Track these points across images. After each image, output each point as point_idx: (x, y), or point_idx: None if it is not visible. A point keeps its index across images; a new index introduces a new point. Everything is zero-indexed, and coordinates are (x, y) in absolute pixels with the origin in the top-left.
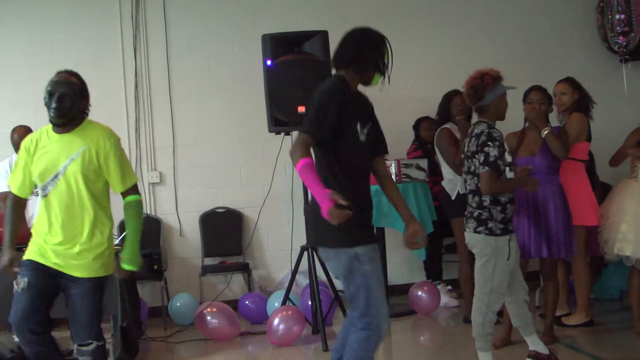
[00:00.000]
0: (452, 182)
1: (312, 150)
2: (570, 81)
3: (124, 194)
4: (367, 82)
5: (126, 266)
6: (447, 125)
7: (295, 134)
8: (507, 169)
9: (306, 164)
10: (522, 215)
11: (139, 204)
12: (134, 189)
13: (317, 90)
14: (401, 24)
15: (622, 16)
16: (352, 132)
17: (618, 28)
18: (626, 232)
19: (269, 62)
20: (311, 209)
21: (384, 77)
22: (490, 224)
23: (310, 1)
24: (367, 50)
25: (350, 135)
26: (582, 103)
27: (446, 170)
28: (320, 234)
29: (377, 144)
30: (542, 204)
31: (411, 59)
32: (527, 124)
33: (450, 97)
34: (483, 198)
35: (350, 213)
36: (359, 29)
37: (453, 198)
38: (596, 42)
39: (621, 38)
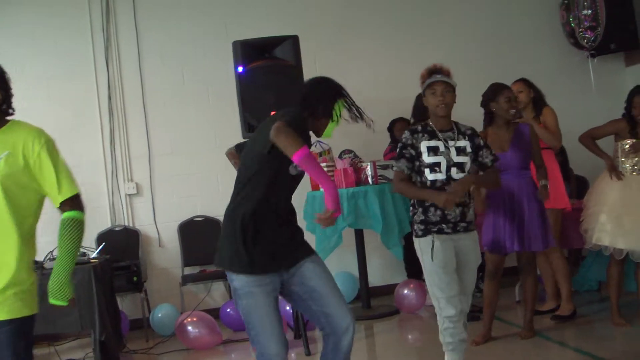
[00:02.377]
0: None
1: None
2: (524, 80)
3: (62, 208)
4: (318, 132)
5: (51, 300)
6: None
7: None
8: (428, 170)
9: (308, 153)
10: (498, 211)
11: (77, 224)
12: (72, 203)
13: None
14: (371, 26)
15: (589, 11)
16: (286, 164)
17: (585, 23)
18: (604, 222)
19: (240, 69)
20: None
21: (360, 119)
22: (415, 226)
23: (281, 7)
24: (322, 99)
25: (282, 169)
26: (539, 99)
27: None
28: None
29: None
30: (517, 198)
31: (383, 61)
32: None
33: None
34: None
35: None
36: (317, 78)
37: None
38: (562, 38)
39: (589, 32)
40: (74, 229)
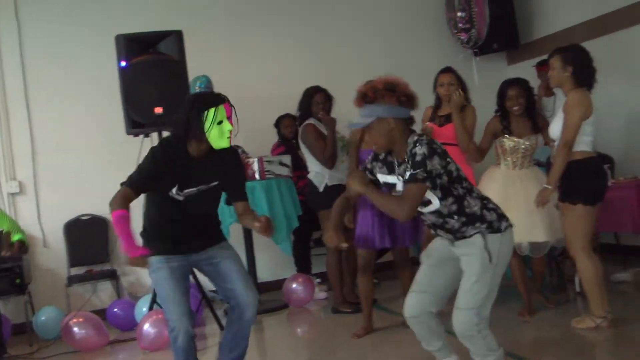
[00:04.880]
0: (320, 175)
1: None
2: (454, 72)
3: None
4: (210, 143)
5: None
6: (311, 121)
7: (154, 135)
8: None
9: (119, 215)
10: (366, 208)
11: None
12: None
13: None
14: (259, 24)
15: (463, 14)
16: (167, 193)
17: (460, 25)
18: None
19: (123, 63)
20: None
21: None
22: None
23: (169, 2)
24: (192, 118)
25: (164, 194)
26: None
27: (313, 164)
28: None
29: (232, 193)
30: None
31: (271, 58)
32: None
33: (311, 94)
34: None
35: (146, 264)
36: (187, 97)
37: (321, 190)
38: (447, 36)
39: (463, 34)
40: None
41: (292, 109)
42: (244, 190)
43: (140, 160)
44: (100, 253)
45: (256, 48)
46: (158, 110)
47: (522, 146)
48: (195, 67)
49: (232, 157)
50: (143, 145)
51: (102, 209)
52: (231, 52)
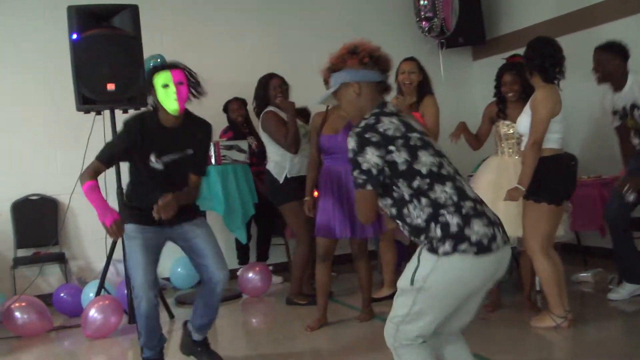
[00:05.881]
0: (279, 166)
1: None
2: (415, 60)
3: None
4: (168, 110)
5: None
6: (271, 108)
7: (106, 113)
8: None
9: (89, 186)
10: (327, 196)
11: None
12: None
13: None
14: (212, 7)
15: (426, 2)
16: (145, 162)
17: (422, 13)
18: None
19: (75, 36)
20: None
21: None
22: None
23: None
24: (147, 87)
25: (144, 164)
26: (425, 84)
27: (274, 154)
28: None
29: (192, 167)
30: (345, 183)
31: (229, 43)
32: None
33: (267, 80)
34: None
35: (123, 231)
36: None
37: (281, 182)
38: (414, 27)
39: (424, 23)
40: None
41: (245, 94)
42: (201, 164)
43: (92, 137)
44: (48, 235)
45: (214, 31)
46: (110, 86)
47: (517, 132)
48: (150, 45)
49: (203, 131)
50: (95, 123)
51: (52, 189)
52: (188, 32)
